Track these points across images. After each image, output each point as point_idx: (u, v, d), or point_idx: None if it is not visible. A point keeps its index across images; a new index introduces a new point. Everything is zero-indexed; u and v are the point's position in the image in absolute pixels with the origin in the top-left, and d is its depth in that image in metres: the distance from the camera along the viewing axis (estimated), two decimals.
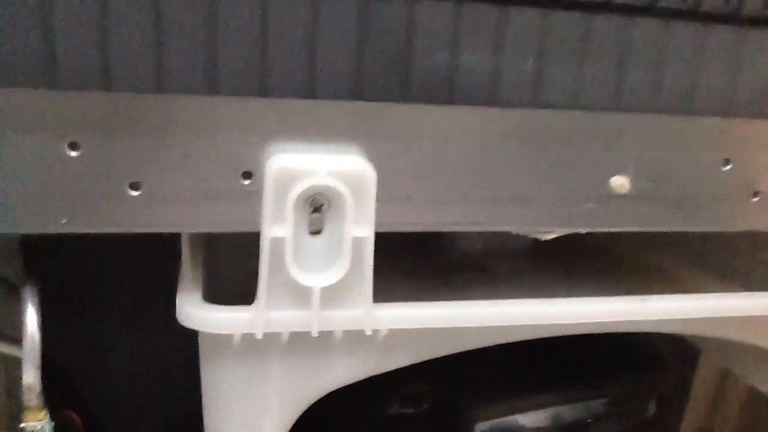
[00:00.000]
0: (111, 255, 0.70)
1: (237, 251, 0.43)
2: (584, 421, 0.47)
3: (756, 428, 0.68)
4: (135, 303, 0.72)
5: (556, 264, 0.51)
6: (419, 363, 0.42)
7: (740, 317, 0.44)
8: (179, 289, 0.39)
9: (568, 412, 0.47)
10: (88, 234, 0.35)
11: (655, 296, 0.41)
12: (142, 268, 0.71)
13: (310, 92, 0.34)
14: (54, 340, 0.46)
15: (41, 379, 0.37)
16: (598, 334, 0.42)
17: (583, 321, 0.41)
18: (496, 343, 0.41)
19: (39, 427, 0.35)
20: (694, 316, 0.42)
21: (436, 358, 0.43)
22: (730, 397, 0.76)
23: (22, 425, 0.35)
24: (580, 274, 0.48)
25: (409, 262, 0.50)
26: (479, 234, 0.50)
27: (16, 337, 0.40)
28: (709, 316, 0.42)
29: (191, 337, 0.40)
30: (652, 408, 0.51)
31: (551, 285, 0.45)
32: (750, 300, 0.44)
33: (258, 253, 0.36)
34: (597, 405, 0.48)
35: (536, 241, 0.44)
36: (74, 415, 0.56)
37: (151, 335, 0.73)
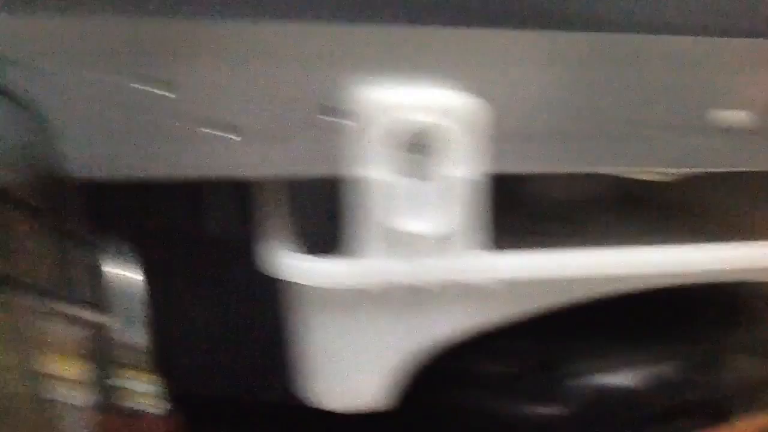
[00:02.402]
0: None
1: (313, 199, 0.40)
2: (680, 379, 0.43)
3: None
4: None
5: (645, 214, 0.46)
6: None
7: None
8: (269, 238, 0.37)
9: (663, 370, 0.43)
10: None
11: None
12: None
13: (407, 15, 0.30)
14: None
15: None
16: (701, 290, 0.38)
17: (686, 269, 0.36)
18: (600, 295, 0.37)
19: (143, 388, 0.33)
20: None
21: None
22: None
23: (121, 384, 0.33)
24: (674, 225, 0.43)
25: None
26: (559, 180, 0.45)
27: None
28: None
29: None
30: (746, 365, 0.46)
31: (642, 238, 0.40)
32: None
33: (337, 200, 0.33)
34: (692, 362, 0.44)
35: (620, 189, 0.40)
36: None
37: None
